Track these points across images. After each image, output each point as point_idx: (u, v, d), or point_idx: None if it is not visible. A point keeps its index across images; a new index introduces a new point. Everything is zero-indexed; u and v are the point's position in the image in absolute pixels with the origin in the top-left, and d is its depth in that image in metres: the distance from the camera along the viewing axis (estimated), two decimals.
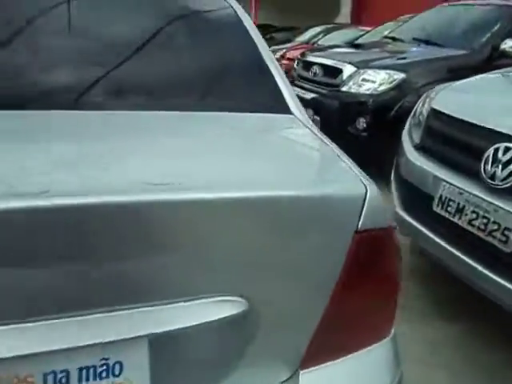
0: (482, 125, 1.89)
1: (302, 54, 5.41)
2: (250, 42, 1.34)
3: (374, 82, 3.89)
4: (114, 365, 0.71)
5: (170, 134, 0.97)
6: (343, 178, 0.87)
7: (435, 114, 2.20)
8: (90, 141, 0.87)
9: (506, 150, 1.75)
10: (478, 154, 1.84)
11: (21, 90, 1.02)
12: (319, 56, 4.72)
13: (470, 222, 1.83)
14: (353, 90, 4.02)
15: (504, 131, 1.79)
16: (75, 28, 1.21)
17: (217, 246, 0.74)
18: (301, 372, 0.87)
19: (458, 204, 1.88)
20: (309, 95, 4.40)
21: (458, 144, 2.00)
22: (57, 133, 0.88)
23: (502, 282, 1.68)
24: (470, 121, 1.92)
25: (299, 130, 1.10)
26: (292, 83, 4.86)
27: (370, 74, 3.95)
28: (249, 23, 1.43)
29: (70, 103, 0.99)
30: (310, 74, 4.57)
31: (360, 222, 0.81)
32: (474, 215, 1.81)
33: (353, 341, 0.91)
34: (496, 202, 1.73)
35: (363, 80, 3.97)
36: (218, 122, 1.08)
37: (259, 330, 0.79)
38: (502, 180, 1.73)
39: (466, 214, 1.85)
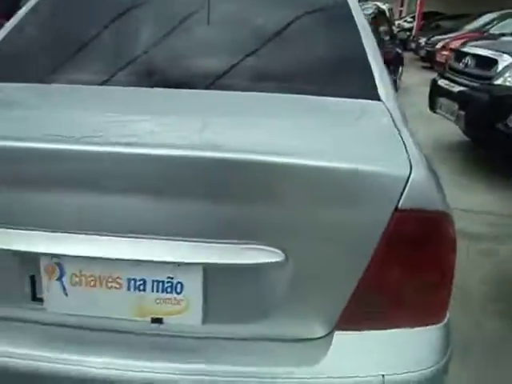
0: None
1: (462, 44, 5.01)
2: (356, 35, 1.44)
3: None
4: (176, 284, 0.92)
5: (277, 113, 1.19)
6: (391, 158, 0.92)
7: None
8: (224, 113, 1.15)
9: None
10: None
11: (177, 74, 1.38)
12: (475, 46, 4.32)
13: None
14: (508, 83, 3.62)
15: None
16: (222, 26, 1.54)
17: (275, 203, 0.89)
18: (335, 333, 0.97)
19: None
20: (456, 88, 4.10)
21: None
22: (203, 106, 1.19)
23: None
24: None
25: (379, 114, 1.17)
26: (442, 76, 4.58)
27: None
28: (358, 15, 1.52)
29: (213, 84, 1.30)
30: (461, 66, 4.24)
31: (401, 201, 0.87)
32: None
33: (391, 317, 0.97)
34: None
35: None
36: (315, 105, 1.25)
37: (294, 284, 0.92)
38: None
39: None
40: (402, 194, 0.87)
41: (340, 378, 0.93)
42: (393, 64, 8.03)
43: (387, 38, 7.70)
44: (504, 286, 2.34)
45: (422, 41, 12.82)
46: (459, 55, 4.40)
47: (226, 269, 0.91)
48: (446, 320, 1.02)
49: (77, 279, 0.93)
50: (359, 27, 1.47)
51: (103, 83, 1.31)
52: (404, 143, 0.98)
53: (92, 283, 0.93)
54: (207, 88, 1.29)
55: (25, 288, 0.96)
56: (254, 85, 1.34)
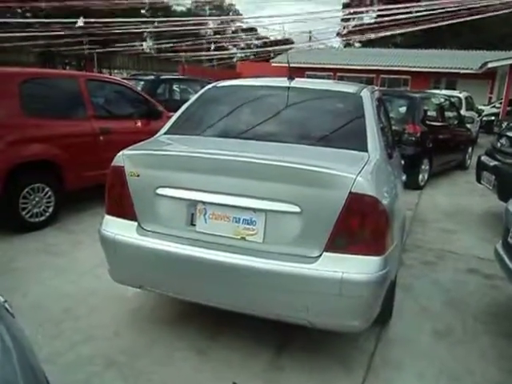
0: None
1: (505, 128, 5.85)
2: (362, 119, 2.62)
3: None
4: (253, 221, 2.12)
5: (297, 151, 2.41)
6: (352, 171, 2.04)
7: None
8: (273, 147, 2.43)
9: None
10: None
11: (263, 133, 2.66)
12: (510, 129, 5.17)
13: None
14: None
15: None
16: (285, 112, 2.85)
17: (294, 186, 2.06)
18: (323, 254, 2.06)
19: None
20: (493, 163, 4.95)
21: None
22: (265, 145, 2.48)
23: None
24: None
25: (362, 157, 2.30)
26: (485, 153, 5.45)
27: None
28: (368, 105, 2.71)
29: (273, 139, 2.57)
30: (498, 145, 5.10)
31: (352, 188, 1.99)
32: None
33: (351, 248, 2.04)
34: None
35: None
36: (321, 150, 2.42)
37: (304, 226, 2.05)
38: None
39: None
40: (353, 185, 1.99)
41: (322, 270, 2.01)
42: (463, 144, 8.87)
43: (455, 122, 8.64)
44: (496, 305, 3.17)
45: (504, 125, 13.30)
46: (499, 137, 5.26)
47: (275, 213, 2.08)
48: (384, 255, 2.06)
49: (211, 216, 2.18)
50: (366, 114, 2.65)
51: (222, 137, 2.65)
52: (362, 168, 2.10)
53: (217, 218, 2.17)
54: (271, 141, 2.54)
55: (188, 219, 2.22)
56: (298, 141, 2.56)
